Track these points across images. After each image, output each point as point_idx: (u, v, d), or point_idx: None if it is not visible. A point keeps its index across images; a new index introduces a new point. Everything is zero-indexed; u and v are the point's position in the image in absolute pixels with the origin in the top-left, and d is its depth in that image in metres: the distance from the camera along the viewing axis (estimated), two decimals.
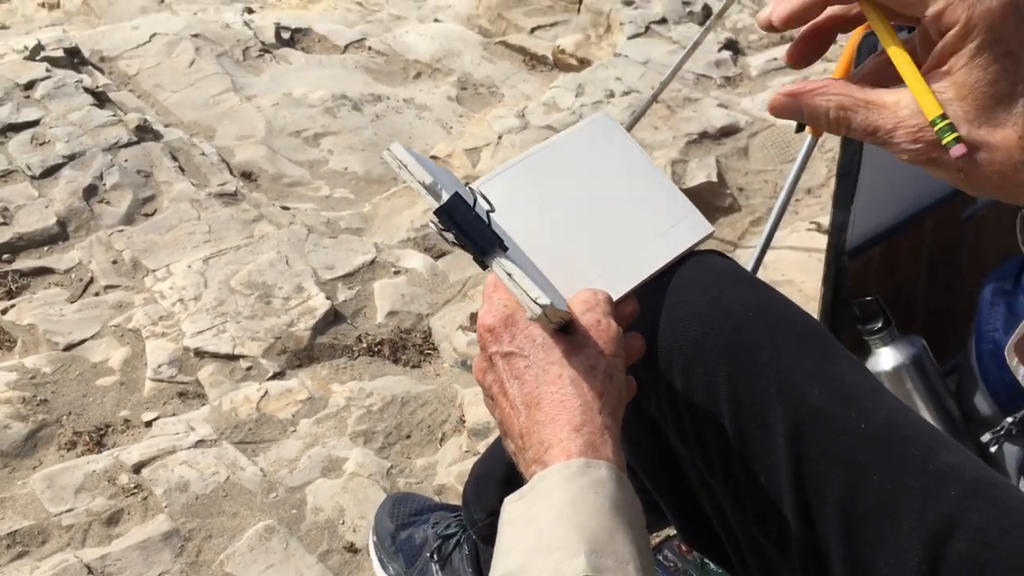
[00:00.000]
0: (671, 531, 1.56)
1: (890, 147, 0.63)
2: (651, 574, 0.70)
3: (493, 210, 0.79)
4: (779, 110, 0.67)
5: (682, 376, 0.87)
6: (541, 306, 0.74)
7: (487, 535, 1.34)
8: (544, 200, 0.89)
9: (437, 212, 0.77)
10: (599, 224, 0.88)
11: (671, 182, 0.94)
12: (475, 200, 0.79)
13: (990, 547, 0.75)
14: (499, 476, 1.26)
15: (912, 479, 0.78)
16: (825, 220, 1.88)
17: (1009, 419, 1.39)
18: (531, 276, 0.76)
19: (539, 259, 0.84)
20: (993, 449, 1.41)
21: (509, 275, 0.76)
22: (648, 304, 0.88)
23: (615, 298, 0.84)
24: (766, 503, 0.84)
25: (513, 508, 0.75)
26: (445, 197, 0.77)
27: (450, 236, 0.78)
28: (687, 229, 0.92)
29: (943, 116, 0.60)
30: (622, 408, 0.78)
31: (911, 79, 0.61)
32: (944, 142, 0.60)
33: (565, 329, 0.78)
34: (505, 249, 0.78)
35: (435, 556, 1.46)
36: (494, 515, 1.31)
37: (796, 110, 0.66)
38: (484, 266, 0.79)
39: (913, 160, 0.63)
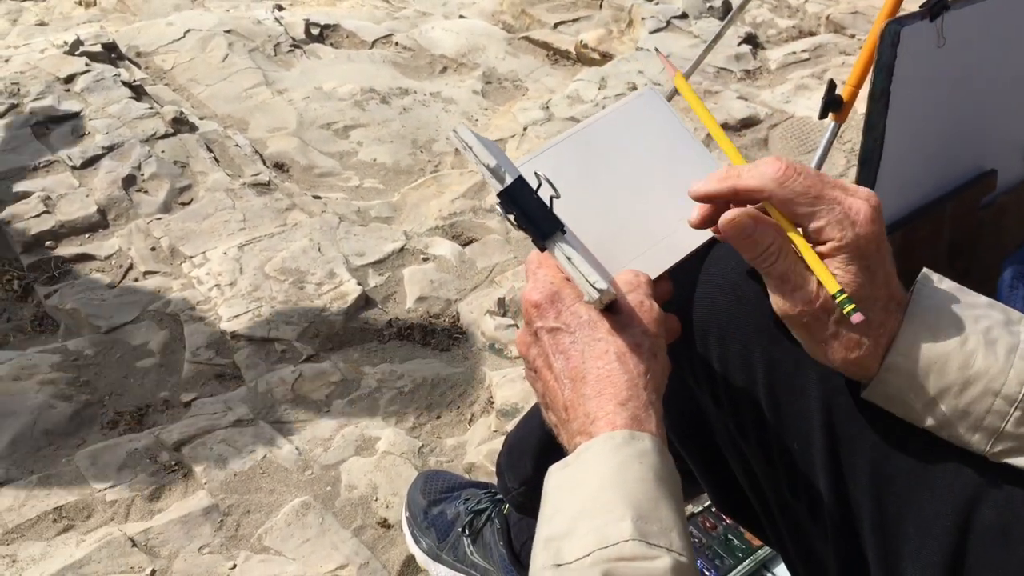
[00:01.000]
0: (694, 508, 1.57)
1: (787, 298, 0.77)
2: (689, 544, 0.71)
3: (558, 196, 0.80)
4: (732, 224, 0.77)
5: (717, 343, 0.88)
6: (599, 290, 0.75)
7: (520, 503, 1.36)
8: (589, 176, 0.89)
9: (500, 195, 0.78)
10: (641, 201, 0.88)
11: (713, 158, 0.93)
12: (539, 184, 0.80)
13: (1016, 515, 0.76)
14: (532, 446, 1.27)
15: (943, 446, 0.78)
16: None
17: None
18: (585, 258, 0.77)
19: (583, 236, 0.85)
20: None
21: (568, 259, 0.77)
22: (684, 274, 0.89)
23: (654, 276, 0.85)
24: (799, 467, 0.84)
25: (558, 475, 0.76)
26: (508, 180, 0.78)
27: (511, 217, 0.79)
28: None
29: (842, 291, 0.74)
30: (664, 386, 0.79)
31: (816, 266, 0.76)
32: (845, 311, 0.74)
33: (610, 308, 0.79)
34: (563, 233, 0.79)
35: (467, 531, 1.48)
36: (527, 484, 1.33)
37: (749, 229, 0.77)
38: (542, 248, 0.80)
39: (798, 316, 0.77)
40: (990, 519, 0.76)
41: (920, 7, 1.23)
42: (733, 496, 0.97)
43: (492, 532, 1.45)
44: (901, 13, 1.44)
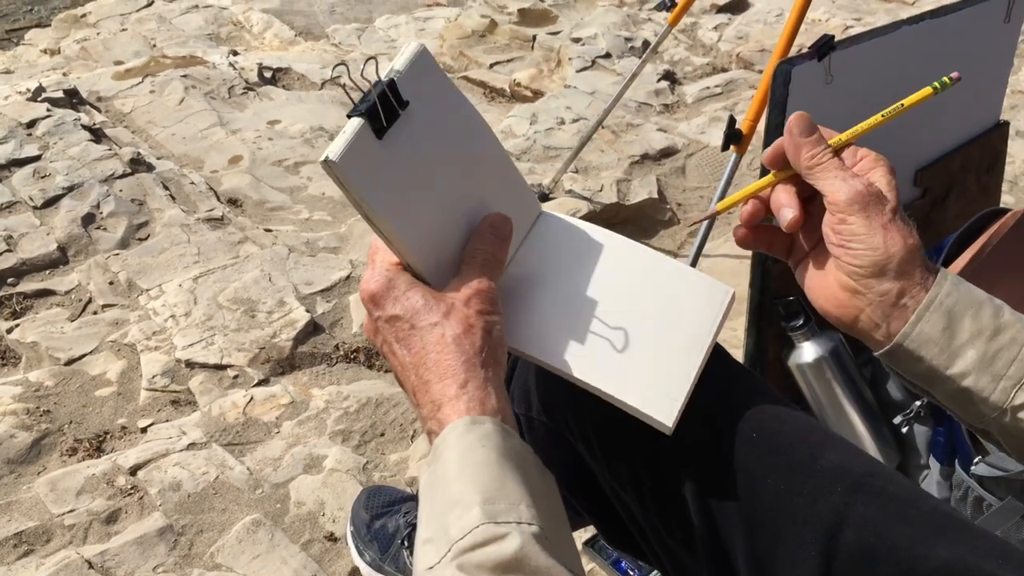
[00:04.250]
0: None
1: (847, 182, 0.77)
2: (545, 509, 0.68)
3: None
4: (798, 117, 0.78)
5: (591, 400, 0.84)
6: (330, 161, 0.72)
7: None
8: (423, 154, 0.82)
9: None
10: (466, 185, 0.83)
11: (486, 125, 0.87)
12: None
13: (877, 534, 0.74)
14: None
15: (802, 480, 0.77)
16: None
17: (917, 403, 1.40)
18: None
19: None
20: (904, 430, 1.42)
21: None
22: None
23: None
24: (672, 509, 0.83)
25: (424, 476, 0.73)
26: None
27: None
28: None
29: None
30: (504, 357, 0.77)
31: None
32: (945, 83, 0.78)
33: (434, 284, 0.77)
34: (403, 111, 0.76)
35: (406, 542, 1.45)
36: None
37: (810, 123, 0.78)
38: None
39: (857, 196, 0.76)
40: (852, 542, 0.74)
41: (809, 48, 1.24)
42: (622, 534, 0.95)
43: None
44: (792, 54, 1.45)
